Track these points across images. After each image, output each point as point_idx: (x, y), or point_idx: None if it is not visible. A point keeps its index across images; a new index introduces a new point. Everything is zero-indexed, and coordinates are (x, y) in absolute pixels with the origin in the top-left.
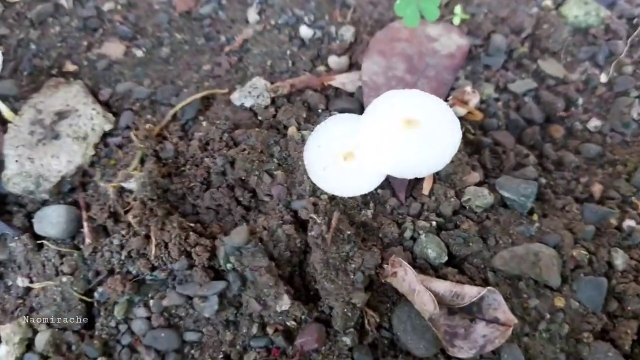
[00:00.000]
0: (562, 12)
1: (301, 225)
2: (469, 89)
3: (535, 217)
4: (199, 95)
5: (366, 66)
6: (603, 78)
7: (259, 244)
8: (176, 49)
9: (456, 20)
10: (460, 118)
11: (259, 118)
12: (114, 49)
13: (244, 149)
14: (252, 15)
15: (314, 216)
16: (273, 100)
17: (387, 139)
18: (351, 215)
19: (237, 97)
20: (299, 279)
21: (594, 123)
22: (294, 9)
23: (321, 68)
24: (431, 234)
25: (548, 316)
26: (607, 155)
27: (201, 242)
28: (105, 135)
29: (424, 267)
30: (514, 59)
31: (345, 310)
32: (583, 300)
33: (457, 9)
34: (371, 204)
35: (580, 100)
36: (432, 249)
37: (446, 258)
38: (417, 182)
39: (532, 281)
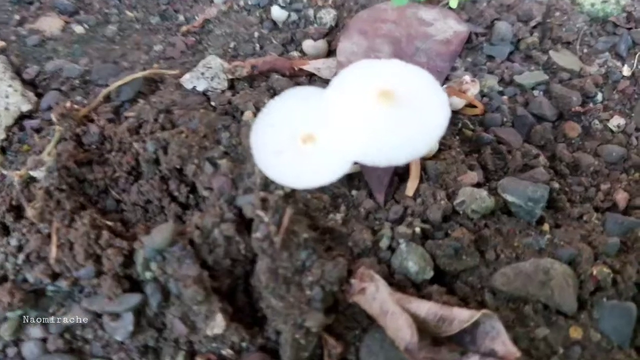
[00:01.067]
0: (577, 0)
1: (247, 226)
2: (467, 77)
3: (546, 227)
4: (139, 75)
5: (343, 46)
6: (626, 71)
7: (188, 247)
8: (125, 27)
9: (453, 4)
10: (457, 112)
11: (212, 103)
12: (49, 24)
13: (181, 132)
14: None
15: (261, 213)
16: (232, 85)
17: (356, 116)
18: (315, 218)
19: (187, 79)
20: (244, 295)
21: (617, 121)
22: None
23: (295, 54)
24: (413, 243)
25: (561, 350)
26: (633, 159)
27: (115, 243)
28: (23, 117)
29: (403, 284)
30: (521, 50)
31: (297, 336)
32: (606, 330)
33: None
34: (342, 207)
35: (600, 96)
36: (414, 262)
37: (432, 274)
38: (401, 181)
39: (541, 305)
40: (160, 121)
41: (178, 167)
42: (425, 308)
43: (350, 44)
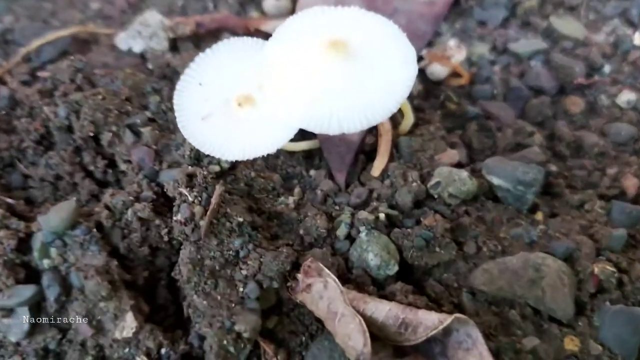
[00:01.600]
0: None
1: (172, 208)
2: (452, 43)
3: (539, 215)
4: (66, 33)
5: (305, 1)
6: (637, 39)
7: (94, 230)
8: None
9: None
10: (440, 83)
11: (149, 66)
12: None
13: (98, 94)
14: None
15: (184, 191)
16: (175, 45)
17: (301, 72)
18: (261, 200)
19: (122, 39)
20: (167, 291)
21: (627, 97)
22: None
23: (254, 14)
24: (376, 231)
25: None
26: None
27: (11, 224)
28: None
29: (361, 280)
30: (517, 16)
31: (225, 342)
32: (608, 341)
33: None
34: (296, 189)
35: (607, 67)
36: (375, 254)
37: (396, 268)
38: (368, 160)
39: (530, 309)
40: (77, 82)
41: (92, 134)
42: (384, 310)
43: None
